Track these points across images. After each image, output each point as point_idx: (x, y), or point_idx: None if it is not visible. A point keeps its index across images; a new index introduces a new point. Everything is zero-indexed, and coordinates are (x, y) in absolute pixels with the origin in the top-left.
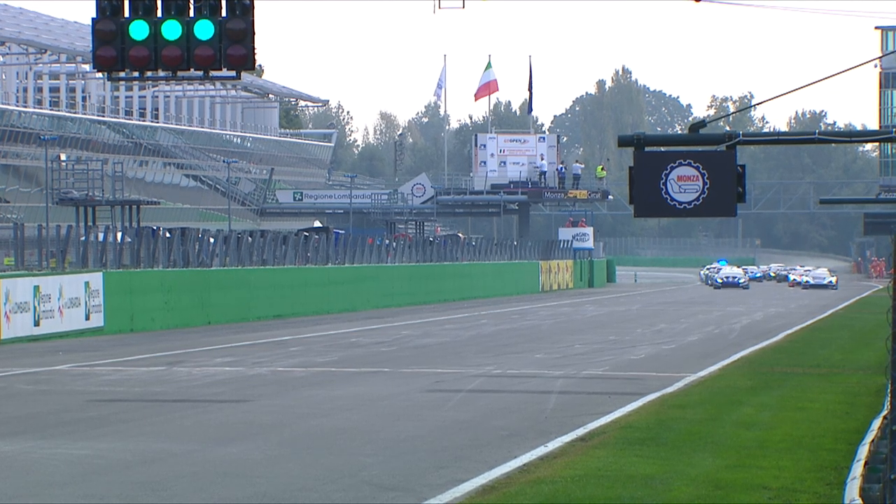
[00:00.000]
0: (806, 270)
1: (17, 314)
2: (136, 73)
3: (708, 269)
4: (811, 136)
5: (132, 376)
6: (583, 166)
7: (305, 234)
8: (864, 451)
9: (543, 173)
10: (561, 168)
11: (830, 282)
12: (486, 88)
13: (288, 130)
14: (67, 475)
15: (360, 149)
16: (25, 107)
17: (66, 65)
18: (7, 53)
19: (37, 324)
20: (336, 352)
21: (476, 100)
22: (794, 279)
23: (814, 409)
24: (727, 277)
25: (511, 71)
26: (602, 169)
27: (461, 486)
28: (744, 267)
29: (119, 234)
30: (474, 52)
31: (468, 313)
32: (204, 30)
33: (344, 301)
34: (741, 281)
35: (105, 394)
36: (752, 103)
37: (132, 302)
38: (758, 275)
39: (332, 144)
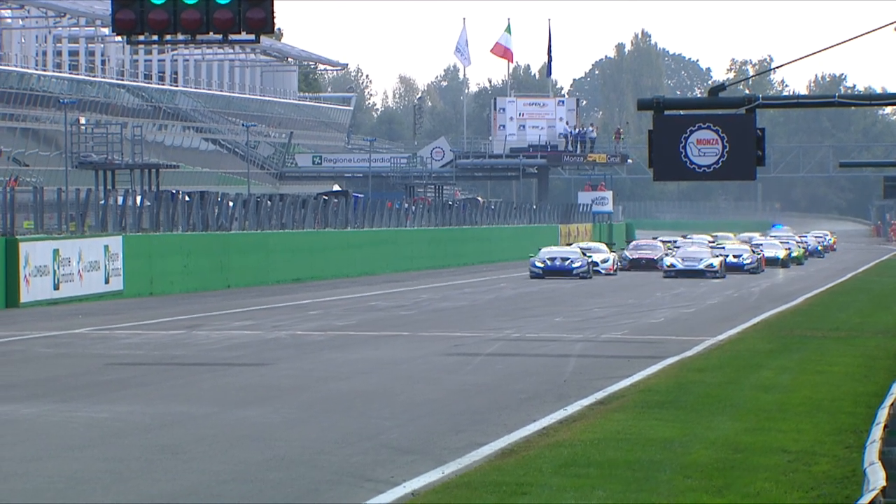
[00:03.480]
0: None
1: (37, 278)
2: (155, 37)
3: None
4: (831, 99)
5: (151, 340)
6: (595, 129)
7: (324, 197)
8: (883, 414)
9: (568, 136)
10: (580, 132)
11: (743, 263)
12: (502, 50)
13: (307, 94)
14: (86, 438)
15: (379, 112)
16: (45, 70)
17: (86, 28)
18: (26, 17)
19: (56, 287)
20: (355, 315)
21: (492, 53)
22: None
23: (833, 373)
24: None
25: (530, 35)
26: (616, 136)
27: (480, 449)
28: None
29: (138, 198)
30: (493, 15)
31: (487, 277)
32: None
33: (363, 264)
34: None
35: (124, 357)
36: (772, 66)
37: (151, 265)
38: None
39: (351, 108)
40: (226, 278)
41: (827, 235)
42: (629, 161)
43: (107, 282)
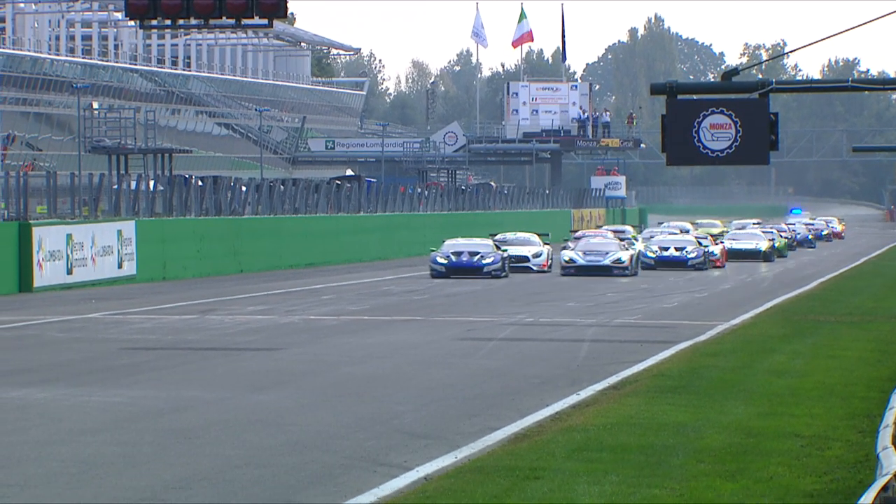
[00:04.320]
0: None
1: (50, 262)
2: (168, 22)
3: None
4: (844, 83)
5: (165, 324)
6: (609, 114)
7: (337, 182)
8: None
9: (582, 121)
10: (594, 116)
11: (686, 258)
12: (523, 37)
13: (320, 79)
14: (100, 422)
15: (391, 97)
16: (58, 55)
17: (99, 13)
18: (39, 1)
19: (69, 272)
20: (368, 300)
21: (514, 47)
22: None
23: (846, 357)
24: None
25: (543, 19)
26: (629, 121)
27: (493, 434)
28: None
29: (151, 183)
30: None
31: None
32: None
33: (376, 249)
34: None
35: (138, 342)
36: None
37: (164, 250)
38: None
39: (364, 93)
40: (239, 263)
41: (833, 221)
42: (642, 146)
43: (120, 266)
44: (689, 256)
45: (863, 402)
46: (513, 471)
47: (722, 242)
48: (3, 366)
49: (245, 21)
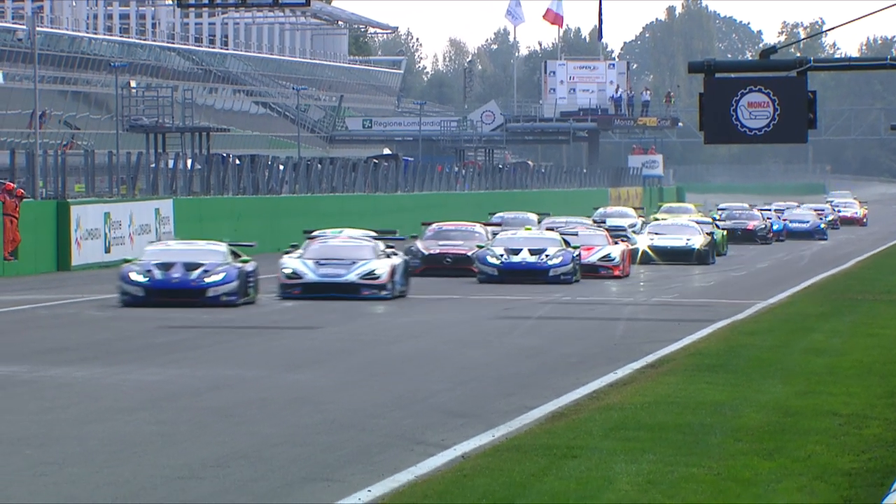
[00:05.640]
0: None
1: (88, 241)
2: (205, 0)
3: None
4: (883, 61)
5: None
6: (650, 92)
7: (375, 161)
8: None
9: (616, 99)
10: (629, 95)
11: (546, 265)
12: (553, 16)
13: (357, 57)
14: (137, 401)
15: (429, 76)
16: (96, 34)
17: None
18: None
19: (107, 250)
20: None
21: (543, 18)
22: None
23: (885, 336)
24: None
25: None
26: (667, 99)
27: (530, 412)
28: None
29: (189, 161)
30: None
31: None
32: None
33: (413, 228)
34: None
35: (175, 320)
36: (823, 29)
37: (202, 229)
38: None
39: (401, 72)
40: (276, 241)
41: (852, 204)
42: (680, 124)
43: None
44: (549, 263)
45: None
46: (550, 449)
47: (626, 240)
48: (42, 344)
49: (282, 0)
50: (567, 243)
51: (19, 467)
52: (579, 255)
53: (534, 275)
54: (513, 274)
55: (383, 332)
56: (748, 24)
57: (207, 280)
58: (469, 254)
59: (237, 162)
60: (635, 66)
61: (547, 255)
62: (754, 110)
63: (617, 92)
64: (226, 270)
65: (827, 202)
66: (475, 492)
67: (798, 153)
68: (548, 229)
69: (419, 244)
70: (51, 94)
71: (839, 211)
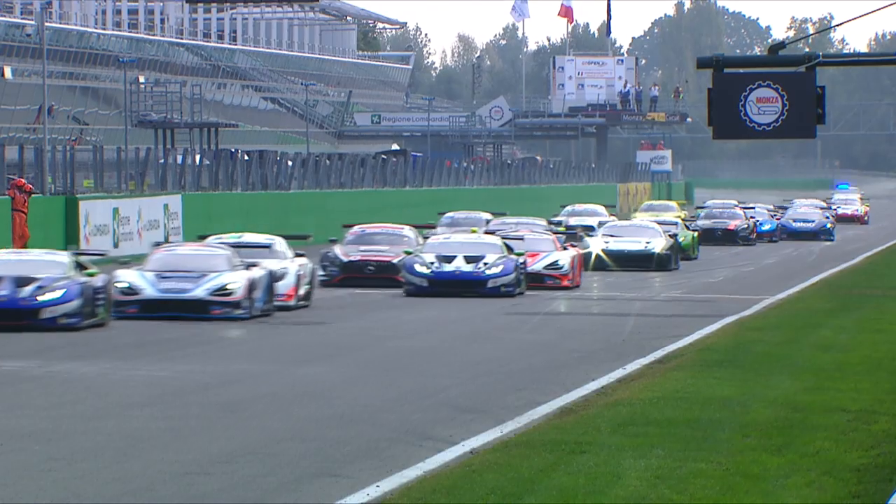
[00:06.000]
0: None
1: (97, 236)
2: None
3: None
4: (891, 57)
5: None
6: (659, 87)
7: (383, 156)
8: None
9: (626, 95)
10: (637, 91)
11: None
12: (564, 10)
13: (366, 53)
14: (146, 396)
15: (437, 71)
16: (104, 29)
17: None
18: None
19: (116, 246)
20: None
21: (558, 15)
22: None
23: (893, 331)
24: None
25: None
26: (675, 95)
27: (539, 408)
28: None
29: (197, 157)
30: None
31: None
32: None
33: (422, 223)
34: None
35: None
36: (832, 24)
37: (211, 224)
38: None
39: (409, 67)
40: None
41: (854, 201)
42: (688, 120)
43: (166, 240)
44: (488, 273)
45: None
46: (558, 445)
47: (575, 245)
48: (51, 340)
49: None
50: (510, 249)
51: (28, 463)
52: (524, 262)
53: (469, 286)
54: (445, 285)
55: (393, 327)
56: (757, 19)
57: (41, 298)
58: (395, 261)
59: (246, 157)
60: (644, 61)
61: (485, 264)
62: (763, 106)
63: (625, 87)
64: (66, 286)
65: (826, 199)
66: (483, 487)
67: (807, 148)
68: (487, 233)
69: (337, 249)
70: (59, 89)
71: (836, 209)
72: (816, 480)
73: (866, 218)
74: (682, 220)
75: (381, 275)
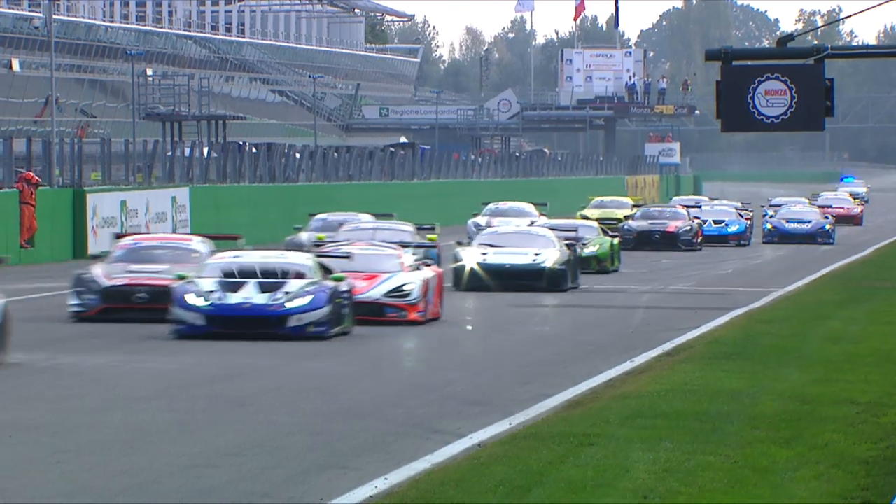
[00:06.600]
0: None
1: (105, 229)
2: None
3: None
4: None
5: None
6: (667, 80)
7: (391, 149)
8: None
9: (630, 87)
10: (646, 83)
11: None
12: (580, 7)
13: (374, 46)
14: (153, 389)
15: (445, 64)
16: (112, 22)
17: None
18: None
19: None
20: None
21: (575, 19)
22: None
23: None
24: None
25: None
26: (684, 87)
27: (547, 401)
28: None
29: (205, 150)
30: None
31: None
32: None
33: (429, 216)
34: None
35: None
36: (841, 17)
37: (218, 217)
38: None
39: (417, 60)
40: (293, 229)
41: (845, 198)
42: (697, 112)
43: (174, 233)
44: (289, 307)
45: None
46: (567, 437)
47: (431, 262)
48: (58, 333)
49: None
50: (328, 270)
51: (36, 455)
52: (350, 289)
53: (262, 325)
54: (227, 323)
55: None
56: (765, 12)
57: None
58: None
59: (254, 150)
60: (652, 53)
61: (287, 293)
62: (771, 98)
63: (631, 79)
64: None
65: (809, 196)
66: (492, 479)
67: (815, 141)
68: (289, 249)
69: (97, 271)
70: (67, 82)
71: (825, 208)
72: (825, 473)
73: (861, 217)
74: (599, 221)
75: (155, 304)
